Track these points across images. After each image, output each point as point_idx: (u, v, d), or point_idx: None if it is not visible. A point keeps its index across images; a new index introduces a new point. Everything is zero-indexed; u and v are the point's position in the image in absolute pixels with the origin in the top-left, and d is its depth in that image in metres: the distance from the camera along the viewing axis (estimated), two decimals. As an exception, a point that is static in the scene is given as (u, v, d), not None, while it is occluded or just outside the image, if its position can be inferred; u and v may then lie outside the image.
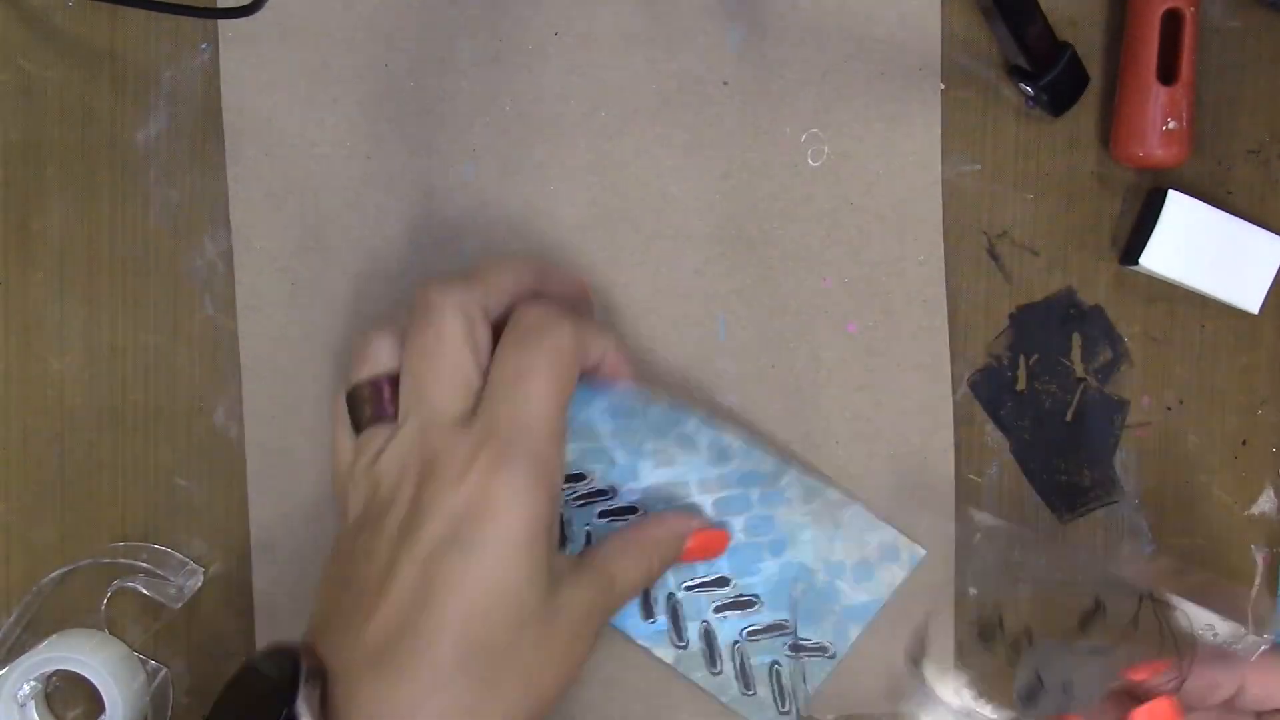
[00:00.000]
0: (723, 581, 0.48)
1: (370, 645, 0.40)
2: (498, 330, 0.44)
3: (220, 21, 0.51)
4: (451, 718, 0.39)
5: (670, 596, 0.49)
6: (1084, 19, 0.52)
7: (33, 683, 0.51)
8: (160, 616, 0.52)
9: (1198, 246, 0.50)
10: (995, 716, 0.49)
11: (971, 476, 0.52)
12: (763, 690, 0.49)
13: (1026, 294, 0.52)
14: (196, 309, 0.52)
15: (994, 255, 0.52)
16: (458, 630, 0.40)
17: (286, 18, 0.51)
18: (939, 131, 0.51)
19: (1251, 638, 0.44)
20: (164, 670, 0.52)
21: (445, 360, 0.42)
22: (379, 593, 0.41)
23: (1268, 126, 0.52)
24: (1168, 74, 0.49)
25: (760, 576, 0.49)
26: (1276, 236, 0.50)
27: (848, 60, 0.51)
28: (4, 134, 0.52)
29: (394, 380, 0.44)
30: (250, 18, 0.46)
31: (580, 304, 0.47)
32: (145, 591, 0.52)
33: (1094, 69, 0.51)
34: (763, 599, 0.49)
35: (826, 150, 0.51)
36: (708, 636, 0.49)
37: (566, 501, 0.48)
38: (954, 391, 0.52)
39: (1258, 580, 0.53)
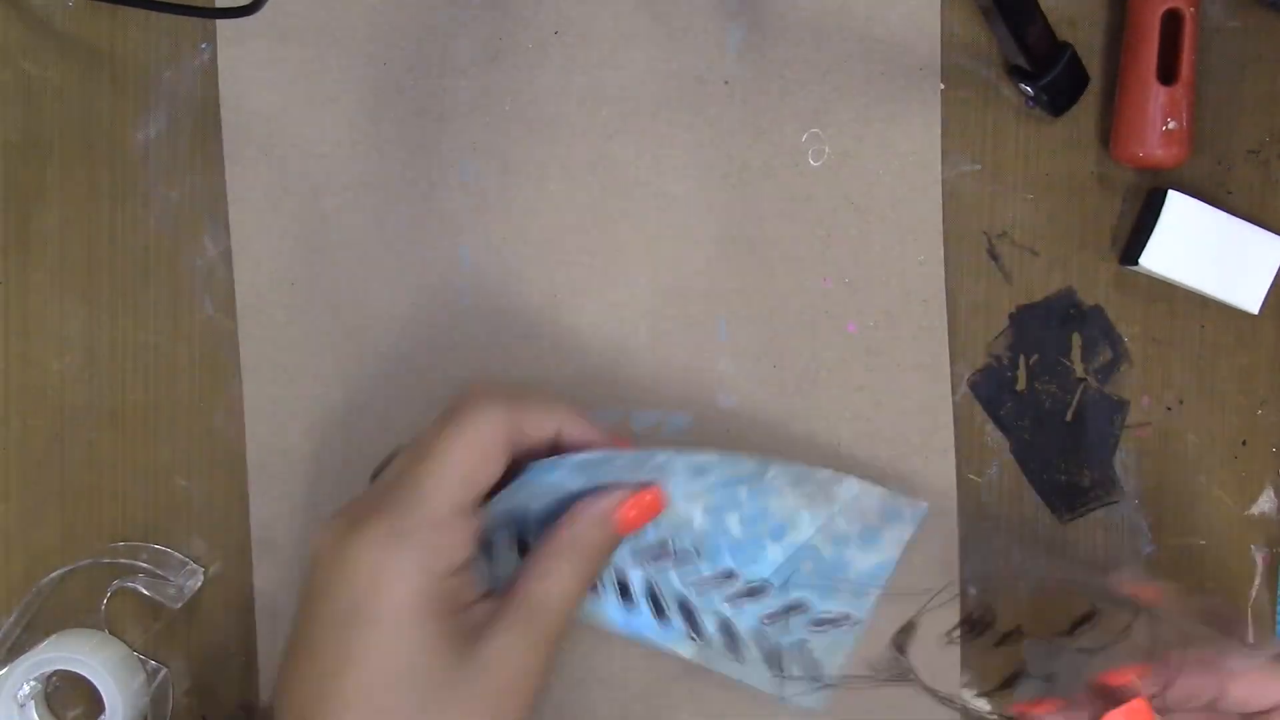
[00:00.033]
0: (730, 574, 0.48)
1: (297, 710, 0.41)
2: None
3: (220, 21, 0.51)
4: None
5: (680, 596, 0.48)
6: (1084, 19, 0.52)
7: (33, 683, 0.51)
8: (160, 616, 0.52)
9: (1198, 246, 0.50)
10: (976, 703, 0.50)
11: (971, 476, 0.52)
12: (794, 669, 0.49)
13: (1026, 294, 0.52)
14: (196, 309, 0.52)
15: (994, 255, 0.52)
16: (362, 702, 0.40)
17: (286, 18, 0.51)
18: (939, 131, 0.51)
19: (1245, 657, 0.44)
20: (164, 670, 0.52)
21: (431, 454, 0.42)
22: (306, 658, 0.41)
23: (1268, 126, 0.52)
24: (1168, 74, 0.49)
25: (766, 563, 0.48)
26: (1276, 236, 0.50)
27: (848, 60, 0.51)
28: (4, 134, 0.52)
29: None
30: (250, 18, 0.46)
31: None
32: (145, 591, 0.52)
33: (1094, 69, 0.51)
34: (773, 584, 0.48)
35: (827, 150, 0.51)
36: (726, 628, 0.48)
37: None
38: (954, 391, 0.52)
39: (1258, 580, 0.53)
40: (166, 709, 0.52)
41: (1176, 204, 0.50)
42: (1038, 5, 0.49)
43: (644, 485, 0.45)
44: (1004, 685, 0.49)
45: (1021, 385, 0.52)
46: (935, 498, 0.51)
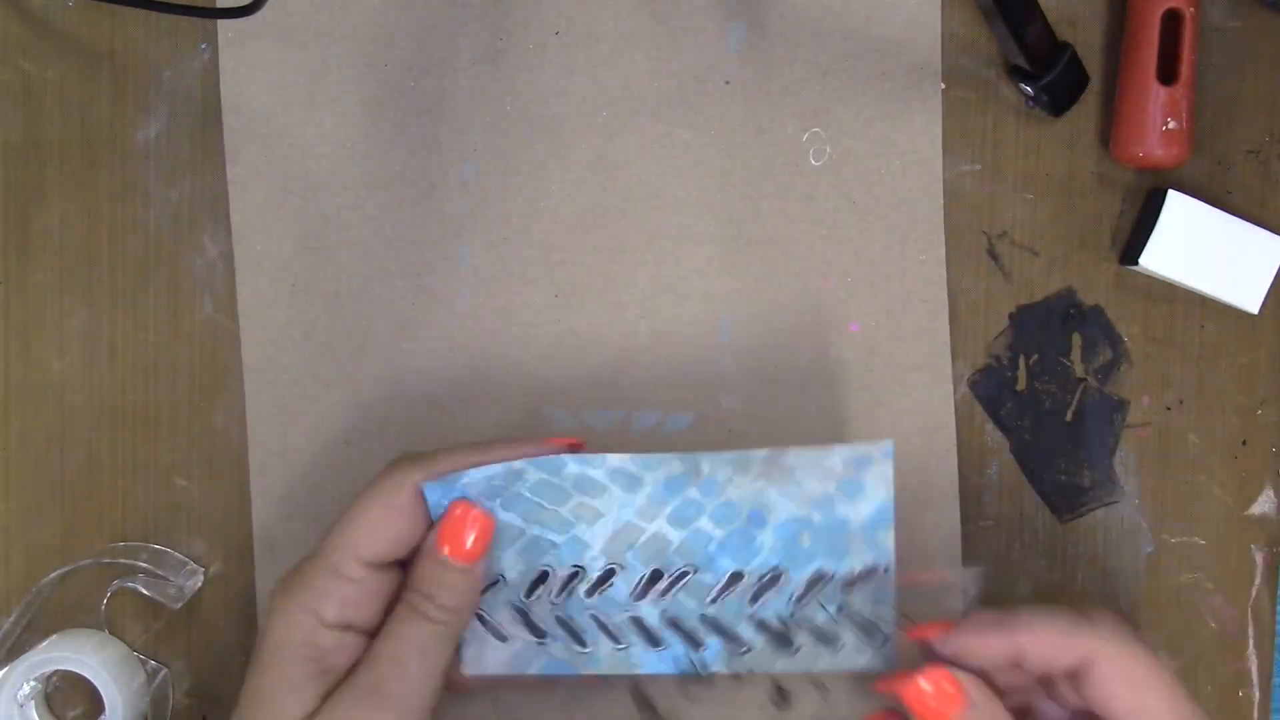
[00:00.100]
0: (737, 577, 0.47)
1: None
2: None
3: (220, 21, 0.51)
4: None
5: (703, 619, 0.48)
6: (1084, 19, 0.52)
7: (33, 683, 0.51)
8: (160, 616, 0.52)
9: (1197, 246, 0.50)
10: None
11: (971, 476, 0.52)
12: (848, 636, 0.48)
13: (1026, 294, 0.52)
14: (196, 309, 0.52)
15: (994, 255, 0.52)
16: None
17: (286, 18, 0.51)
18: (940, 131, 0.52)
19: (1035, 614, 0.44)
20: (164, 670, 0.52)
21: (345, 513, 0.45)
22: None
23: (1268, 126, 0.52)
24: (1168, 74, 0.49)
25: (765, 552, 0.47)
26: (1276, 236, 0.51)
27: (849, 59, 0.51)
28: (4, 134, 0.52)
29: None
30: (250, 18, 0.46)
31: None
32: (145, 591, 0.52)
33: (1094, 69, 0.51)
34: (784, 566, 0.47)
35: (828, 149, 0.52)
36: (763, 626, 0.48)
37: (552, 602, 0.47)
38: (954, 391, 0.52)
39: (1258, 580, 0.53)
40: (166, 709, 0.52)
41: (1176, 204, 0.50)
42: (1038, 5, 0.49)
43: (468, 508, 0.46)
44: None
45: (1021, 385, 0.52)
46: (936, 497, 0.51)
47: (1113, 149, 0.51)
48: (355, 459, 0.52)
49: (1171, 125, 0.50)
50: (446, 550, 0.44)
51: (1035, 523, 0.53)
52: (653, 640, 0.48)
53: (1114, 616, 0.44)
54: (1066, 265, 0.52)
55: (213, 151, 0.52)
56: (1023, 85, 0.51)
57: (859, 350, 0.52)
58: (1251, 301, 0.51)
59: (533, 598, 0.47)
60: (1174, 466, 0.53)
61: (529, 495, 0.46)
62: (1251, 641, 0.52)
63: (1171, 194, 0.50)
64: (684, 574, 0.47)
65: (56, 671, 0.51)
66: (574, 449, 0.47)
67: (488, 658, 0.48)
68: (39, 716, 0.51)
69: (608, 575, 0.47)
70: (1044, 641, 0.43)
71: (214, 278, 0.52)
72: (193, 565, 0.52)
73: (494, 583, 0.47)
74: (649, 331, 0.52)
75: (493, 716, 0.51)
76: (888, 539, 0.47)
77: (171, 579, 0.52)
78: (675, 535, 0.47)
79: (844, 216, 0.52)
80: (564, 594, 0.47)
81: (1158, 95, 0.49)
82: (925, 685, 0.43)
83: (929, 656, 0.45)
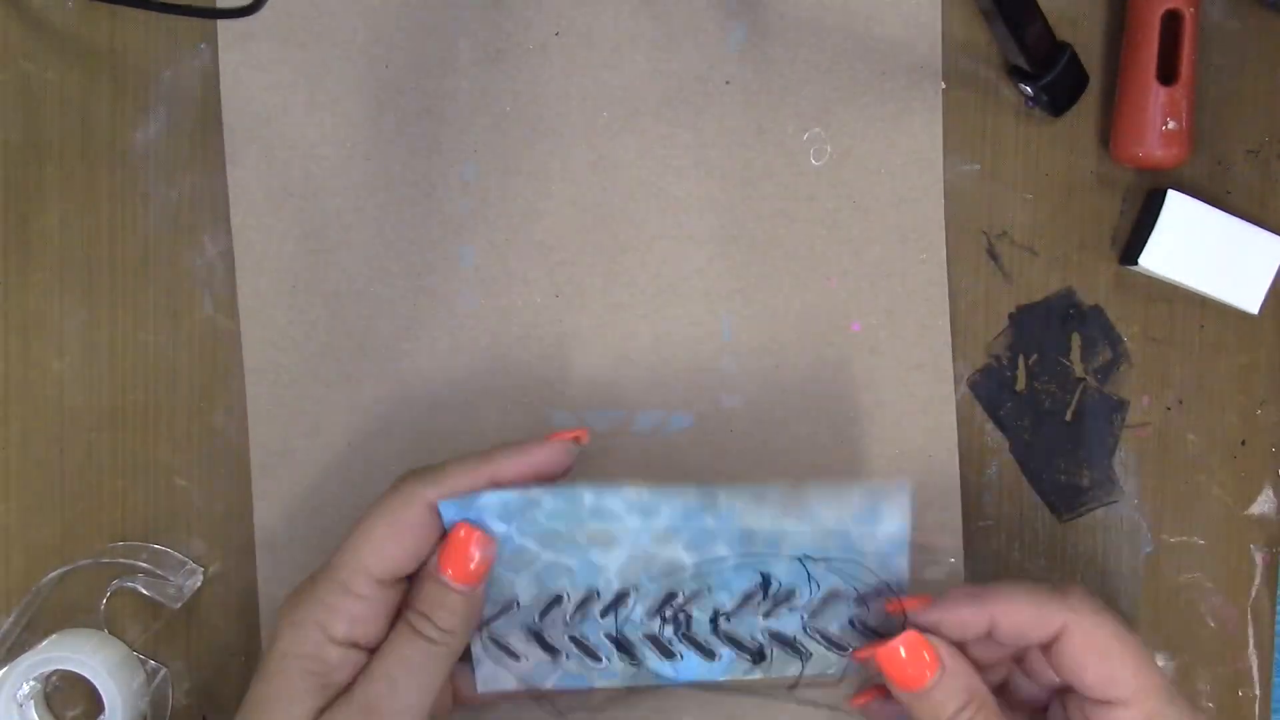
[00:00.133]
0: (751, 594, 0.47)
1: None
2: None
3: (220, 21, 0.51)
4: None
5: (717, 632, 0.47)
6: (1084, 19, 0.52)
7: (32, 683, 0.51)
8: (160, 616, 0.52)
9: (1197, 246, 0.50)
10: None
11: (972, 476, 0.52)
12: (857, 644, 0.48)
13: (1026, 294, 0.52)
14: (196, 309, 0.52)
15: (994, 255, 0.52)
16: None
17: (286, 18, 0.51)
18: (940, 131, 0.52)
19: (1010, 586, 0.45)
20: (164, 670, 0.52)
21: (353, 530, 0.45)
22: None
23: (1268, 126, 0.52)
24: (1168, 74, 0.49)
25: (779, 575, 0.47)
26: (1276, 236, 0.51)
27: (849, 59, 0.51)
28: (4, 134, 0.52)
29: None
30: (250, 18, 0.46)
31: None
32: (145, 591, 0.52)
33: (1094, 69, 0.52)
34: (796, 585, 0.47)
35: (829, 149, 0.52)
36: (777, 638, 0.48)
37: (566, 622, 0.47)
38: (954, 391, 0.52)
39: (1258, 580, 0.53)
40: (166, 709, 0.52)
41: (1176, 204, 0.50)
42: (1038, 5, 0.49)
43: (469, 530, 0.45)
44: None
45: (1021, 385, 0.52)
46: (938, 497, 0.52)
47: (1113, 149, 0.51)
48: (356, 459, 0.52)
49: (1171, 125, 0.50)
50: (449, 573, 0.45)
51: (1035, 523, 0.53)
52: (666, 653, 0.48)
53: (1084, 590, 0.44)
54: (1066, 265, 0.52)
55: (212, 152, 0.51)
56: (1022, 85, 0.51)
57: (860, 350, 0.52)
58: (1251, 301, 0.51)
59: (546, 620, 0.47)
60: (1173, 466, 0.53)
61: (545, 521, 0.46)
62: (1251, 641, 0.53)
63: (1171, 194, 0.50)
64: (698, 593, 0.47)
65: (56, 671, 0.51)
66: (577, 442, 0.47)
67: (501, 676, 0.47)
68: (39, 716, 0.51)
69: (622, 597, 0.47)
70: (1017, 613, 0.43)
71: (214, 278, 0.52)
72: (192, 565, 0.52)
73: (508, 607, 0.47)
74: (650, 332, 0.52)
75: (553, 713, 0.51)
76: (901, 561, 0.47)
77: (171, 579, 0.52)
78: (689, 559, 0.47)
79: (845, 216, 0.52)
80: (577, 615, 0.47)
81: (1157, 95, 0.49)
82: (901, 651, 0.43)
83: (907, 626, 0.45)
